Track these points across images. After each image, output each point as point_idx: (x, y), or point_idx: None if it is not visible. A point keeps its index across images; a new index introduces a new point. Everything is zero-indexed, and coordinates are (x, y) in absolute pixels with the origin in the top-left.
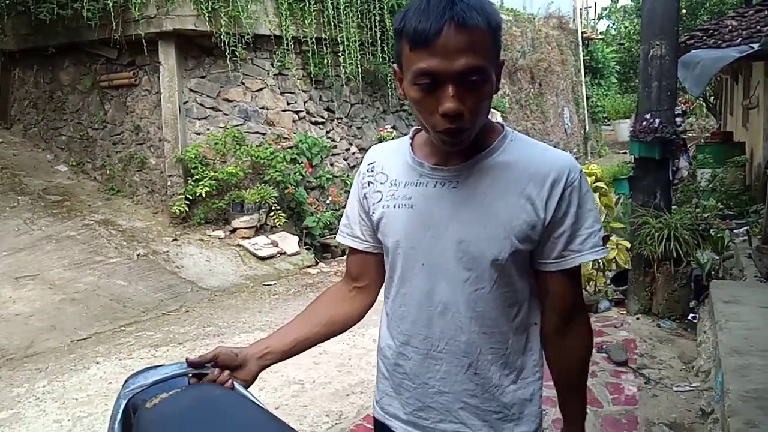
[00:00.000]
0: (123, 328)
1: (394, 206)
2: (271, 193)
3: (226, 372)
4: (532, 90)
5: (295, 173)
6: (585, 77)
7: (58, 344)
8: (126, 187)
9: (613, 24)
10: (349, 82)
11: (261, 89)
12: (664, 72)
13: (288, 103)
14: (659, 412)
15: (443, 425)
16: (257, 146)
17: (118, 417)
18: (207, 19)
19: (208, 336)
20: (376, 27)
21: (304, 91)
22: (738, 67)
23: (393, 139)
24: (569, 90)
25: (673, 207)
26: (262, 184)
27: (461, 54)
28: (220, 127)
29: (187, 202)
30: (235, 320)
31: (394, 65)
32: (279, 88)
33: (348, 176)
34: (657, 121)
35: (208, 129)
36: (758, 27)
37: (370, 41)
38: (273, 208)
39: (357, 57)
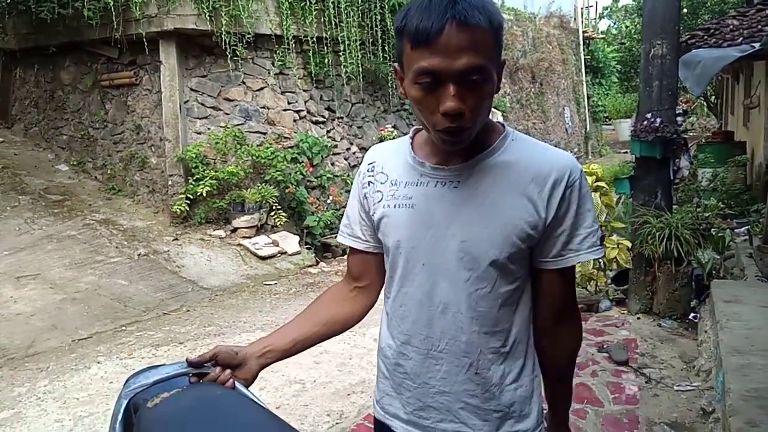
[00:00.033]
0: (124, 328)
1: (395, 206)
2: (272, 193)
3: (227, 371)
4: (532, 89)
5: (295, 173)
6: (586, 76)
7: (59, 344)
8: (127, 186)
9: (614, 23)
10: (350, 81)
11: (262, 89)
12: (665, 71)
13: (289, 103)
14: (660, 412)
15: (444, 425)
16: (258, 146)
17: (120, 416)
18: (208, 18)
19: (208, 335)
20: (376, 26)
21: (304, 91)
22: (739, 67)
23: (394, 138)
24: (570, 89)
25: (674, 206)
26: (263, 184)
27: (463, 53)
28: (221, 127)
29: (188, 202)
30: (236, 320)
31: (395, 64)
32: (280, 88)
33: (349, 176)
34: (658, 120)
35: (208, 128)
36: (759, 26)
37: (370, 40)
38: (274, 207)
39: (358, 56)
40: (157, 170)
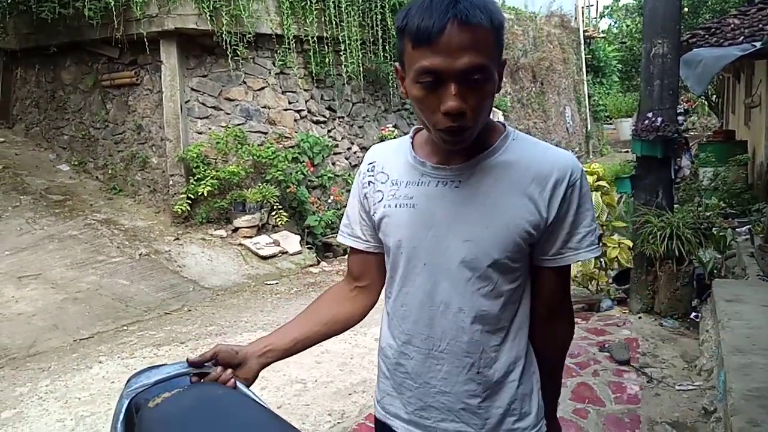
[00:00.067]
0: (125, 328)
1: (396, 206)
2: (273, 193)
3: (229, 371)
4: (533, 89)
5: (296, 172)
6: (587, 76)
7: (60, 344)
8: (128, 186)
9: (615, 22)
10: (351, 81)
11: (262, 88)
12: (666, 70)
13: (289, 102)
14: (662, 411)
15: (445, 425)
16: (259, 145)
17: (121, 416)
18: (208, 18)
19: (210, 335)
20: (377, 26)
21: (305, 90)
22: (740, 66)
23: (395, 138)
24: (571, 89)
25: (676, 206)
26: (264, 184)
27: (464, 52)
28: (222, 127)
29: (189, 202)
30: (237, 319)
31: (396, 63)
32: (280, 87)
33: (349, 175)
34: (659, 119)
35: (209, 128)
36: (760, 25)
37: (371, 40)
38: (275, 207)
39: (358, 56)
40: (158, 170)
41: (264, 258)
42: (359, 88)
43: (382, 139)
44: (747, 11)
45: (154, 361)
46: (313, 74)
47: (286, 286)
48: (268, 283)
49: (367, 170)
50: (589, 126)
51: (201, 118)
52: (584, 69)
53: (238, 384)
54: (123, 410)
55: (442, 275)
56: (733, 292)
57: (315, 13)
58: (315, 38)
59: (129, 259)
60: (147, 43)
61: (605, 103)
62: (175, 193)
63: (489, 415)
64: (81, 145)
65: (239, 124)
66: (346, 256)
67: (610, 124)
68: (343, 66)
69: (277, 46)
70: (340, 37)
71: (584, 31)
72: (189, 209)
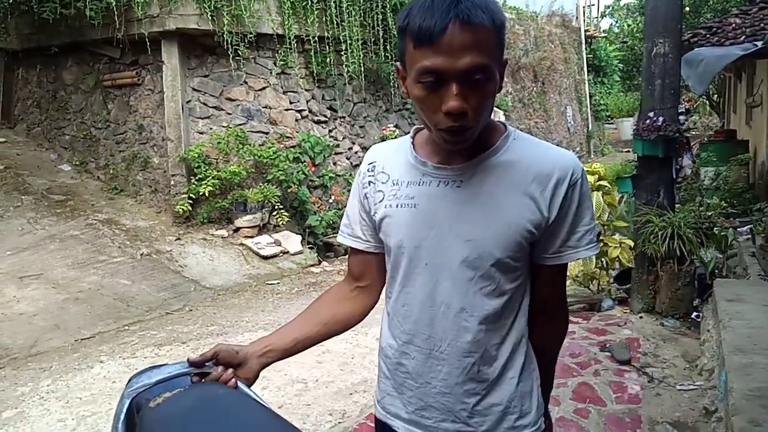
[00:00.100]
0: (126, 328)
1: (397, 206)
2: (274, 192)
3: (230, 371)
4: (534, 88)
5: (297, 172)
6: (588, 75)
7: (61, 343)
8: (129, 186)
9: (616, 22)
10: (352, 80)
11: (264, 88)
12: (667, 70)
13: (291, 102)
14: (663, 411)
15: (446, 425)
16: (260, 145)
17: (122, 416)
18: (210, 18)
19: (211, 335)
20: (378, 25)
21: (306, 90)
22: (741, 65)
23: (396, 138)
24: (572, 88)
25: (677, 205)
26: (265, 184)
27: (466, 52)
28: (223, 127)
29: (190, 202)
30: (238, 319)
31: (397, 63)
32: (282, 87)
33: (351, 175)
34: (660, 119)
35: (211, 128)
36: (762, 25)
37: (372, 40)
38: (276, 207)
39: (360, 56)
40: (160, 170)
41: (265, 258)
42: (360, 88)
43: (383, 139)
44: (748, 11)
45: (155, 361)
46: (315, 74)
47: (287, 285)
48: (270, 282)
49: (367, 170)
50: (590, 126)
51: (202, 118)
52: (585, 68)
53: (239, 384)
54: (124, 410)
55: (443, 275)
56: (734, 291)
57: (316, 12)
58: (316, 38)
59: (130, 259)
60: (148, 43)
61: (606, 102)
62: (176, 193)
63: (489, 413)
64: (82, 145)
65: (240, 124)
66: (347, 256)
67: (612, 123)
68: (344, 66)
69: (278, 46)
70: (341, 37)
71: (585, 31)
72: (190, 209)
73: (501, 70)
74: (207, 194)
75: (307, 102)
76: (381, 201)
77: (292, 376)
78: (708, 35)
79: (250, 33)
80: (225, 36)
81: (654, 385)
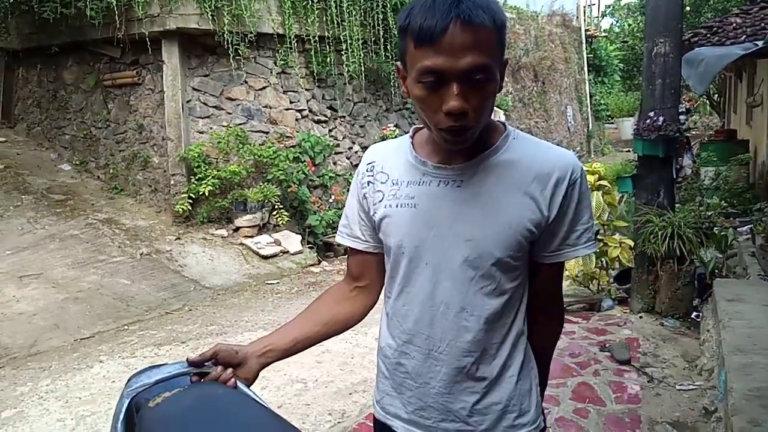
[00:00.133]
0: (126, 327)
1: (397, 206)
2: (274, 192)
3: (229, 370)
4: (535, 88)
5: (297, 172)
6: (588, 75)
7: (61, 343)
8: (129, 186)
9: (617, 21)
10: (352, 80)
11: (264, 88)
12: (667, 70)
13: (291, 102)
14: (662, 411)
15: (445, 424)
16: (260, 145)
17: (121, 416)
18: (210, 17)
19: (211, 335)
20: (379, 25)
21: (306, 90)
22: (742, 65)
23: (396, 137)
24: (572, 88)
25: (677, 205)
26: (265, 183)
27: (467, 52)
28: (223, 126)
29: (190, 201)
30: (238, 319)
31: (398, 63)
32: (282, 87)
33: (351, 175)
34: (661, 119)
35: (211, 128)
36: (763, 24)
37: (373, 39)
38: (276, 206)
39: (360, 55)
40: (160, 170)
41: (265, 257)
42: (361, 88)
43: (383, 139)
44: (749, 10)
45: (155, 361)
46: (315, 74)
47: (287, 285)
48: (269, 282)
49: (366, 170)
50: (590, 125)
51: (202, 118)
52: (586, 68)
53: (239, 384)
54: (123, 410)
55: (443, 275)
56: (734, 291)
57: (316, 12)
58: (316, 38)
59: (130, 259)
60: (149, 43)
61: (607, 102)
62: (176, 193)
63: (489, 412)
64: (82, 145)
65: (240, 124)
66: (346, 256)
67: (612, 123)
68: (344, 65)
69: (278, 45)
70: (341, 37)
71: (586, 30)
72: (190, 209)
73: (502, 70)
74: (207, 194)
75: (308, 101)
76: (380, 201)
77: (292, 376)
78: (708, 35)
79: (251, 32)
80: (225, 35)
81: (654, 385)
